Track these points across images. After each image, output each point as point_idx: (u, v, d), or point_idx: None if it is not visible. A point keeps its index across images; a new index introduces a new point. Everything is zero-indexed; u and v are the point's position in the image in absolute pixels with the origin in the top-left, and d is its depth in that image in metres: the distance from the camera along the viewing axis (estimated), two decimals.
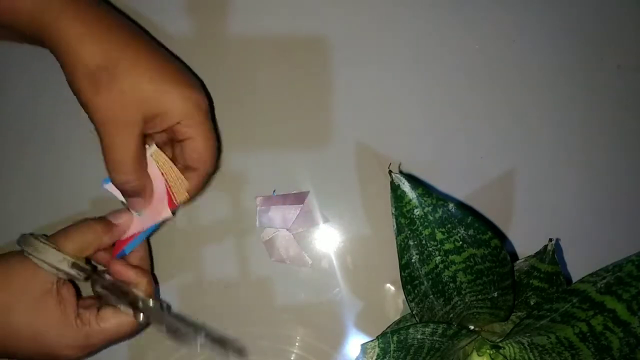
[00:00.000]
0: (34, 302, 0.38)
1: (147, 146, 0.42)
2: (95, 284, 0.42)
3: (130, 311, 0.41)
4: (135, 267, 0.43)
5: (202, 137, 0.41)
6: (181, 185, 0.43)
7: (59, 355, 0.40)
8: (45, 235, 0.40)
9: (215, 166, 0.45)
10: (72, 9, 0.37)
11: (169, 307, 0.48)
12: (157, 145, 0.42)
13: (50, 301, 0.39)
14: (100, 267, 0.44)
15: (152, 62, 0.39)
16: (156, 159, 0.42)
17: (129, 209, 0.43)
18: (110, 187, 0.42)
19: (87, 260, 0.42)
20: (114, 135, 0.38)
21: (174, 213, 0.44)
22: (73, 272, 0.40)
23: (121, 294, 0.41)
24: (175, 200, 0.43)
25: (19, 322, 0.38)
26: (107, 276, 0.42)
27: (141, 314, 0.41)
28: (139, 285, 0.42)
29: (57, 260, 0.39)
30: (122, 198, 0.43)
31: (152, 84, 0.39)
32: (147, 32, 0.48)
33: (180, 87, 0.40)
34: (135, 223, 0.43)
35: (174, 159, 0.43)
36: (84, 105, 0.38)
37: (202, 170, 0.42)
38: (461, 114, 0.51)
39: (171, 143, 0.44)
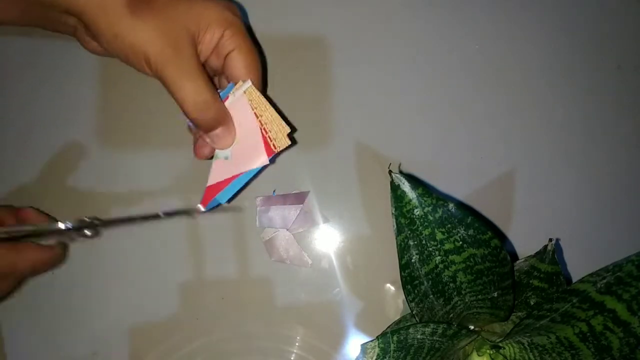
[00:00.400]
0: None
1: (240, 82, 0.41)
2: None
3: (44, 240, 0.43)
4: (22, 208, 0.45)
5: (245, 45, 0.41)
6: (280, 129, 0.41)
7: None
8: None
9: (265, 80, 0.44)
10: None
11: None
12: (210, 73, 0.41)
13: None
14: None
15: None
16: (250, 98, 0.41)
17: None
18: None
19: None
20: (173, 61, 0.37)
21: (272, 161, 0.42)
22: None
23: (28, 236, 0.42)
24: (274, 145, 0.41)
25: None
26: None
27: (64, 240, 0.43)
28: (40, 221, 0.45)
29: None
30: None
31: (189, 4, 0.38)
32: None
33: (213, 2, 0.39)
34: (226, 167, 0.41)
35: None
36: (132, 44, 0.37)
37: (255, 81, 0.42)
38: (461, 114, 0.51)
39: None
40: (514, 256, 0.50)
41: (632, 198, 0.52)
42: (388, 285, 0.50)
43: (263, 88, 0.43)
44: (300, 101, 0.50)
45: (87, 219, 0.43)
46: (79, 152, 0.48)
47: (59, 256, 0.46)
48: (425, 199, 0.35)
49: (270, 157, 0.41)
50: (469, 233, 0.36)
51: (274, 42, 0.50)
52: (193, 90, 0.38)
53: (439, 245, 0.36)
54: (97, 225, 0.43)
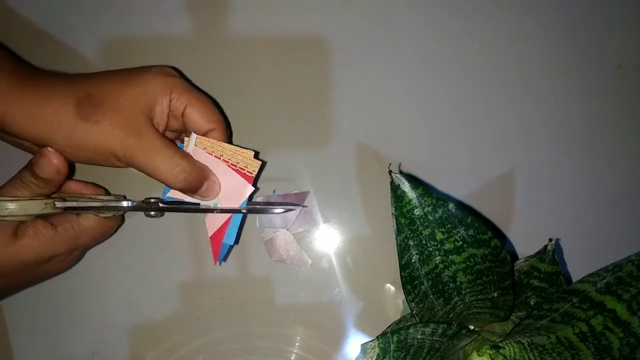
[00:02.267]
0: (6, 245, 0.39)
1: (185, 139, 0.43)
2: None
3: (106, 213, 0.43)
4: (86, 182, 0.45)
5: (195, 98, 0.42)
6: (245, 156, 0.43)
7: (52, 265, 0.43)
8: None
9: (225, 121, 0.45)
10: (17, 85, 0.38)
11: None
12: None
13: (24, 230, 0.40)
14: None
15: (112, 76, 0.41)
16: (204, 146, 0.43)
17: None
18: (173, 194, 0.43)
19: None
20: (139, 148, 0.39)
21: (255, 185, 0.44)
22: (57, 210, 0.41)
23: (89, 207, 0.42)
24: (248, 172, 0.43)
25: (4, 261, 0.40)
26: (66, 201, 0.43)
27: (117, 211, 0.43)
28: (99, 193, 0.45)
29: (40, 208, 0.40)
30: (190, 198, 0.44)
31: (128, 86, 0.40)
32: (146, 33, 0.48)
33: (147, 72, 0.41)
34: (220, 215, 0.44)
35: None
36: (92, 150, 0.39)
37: (217, 124, 0.43)
38: (461, 113, 0.51)
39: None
40: (514, 256, 0.50)
41: (632, 198, 0.52)
42: (388, 285, 0.50)
43: (225, 126, 0.44)
44: (300, 101, 0.50)
45: (152, 200, 0.44)
46: None
47: (117, 225, 0.47)
48: (425, 199, 0.35)
49: (252, 183, 0.44)
50: (469, 233, 0.36)
51: (274, 42, 0.50)
52: (167, 164, 0.40)
53: (439, 245, 0.36)
54: (161, 209, 0.43)
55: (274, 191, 0.49)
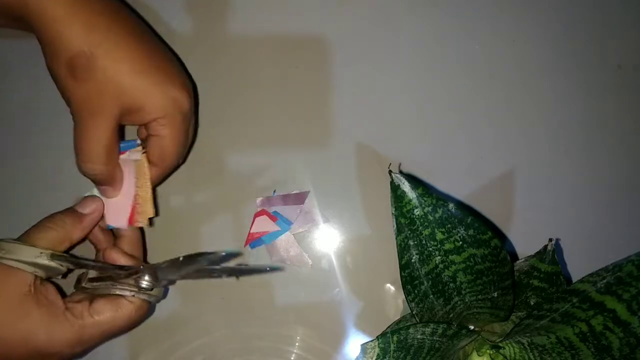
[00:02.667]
0: (14, 306, 0.36)
1: (138, 145, 0.42)
2: (82, 279, 0.40)
3: (128, 294, 0.39)
4: (127, 254, 0.42)
5: (172, 139, 0.41)
6: (147, 209, 0.43)
7: (53, 352, 0.38)
8: (12, 239, 0.38)
9: (178, 164, 0.45)
10: None
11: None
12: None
13: (31, 302, 0.37)
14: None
15: (136, 53, 0.38)
16: (138, 167, 0.42)
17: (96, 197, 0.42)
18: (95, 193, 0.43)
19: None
20: (87, 124, 0.38)
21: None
22: (54, 264, 0.37)
23: (113, 282, 0.39)
24: (135, 219, 0.43)
25: (3, 330, 0.36)
26: (93, 264, 0.40)
27: (142, 296, 0.40)
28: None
29: (33, 256, 0.37)
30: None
31: (132, 77, 0.38)
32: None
33: (162, 84, 0.39)
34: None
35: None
36: (60, 90, 0.38)
37: (161, 167, 0.42)
38: (461, 114, 0.51)
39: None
40: (514, 256, 0.50)
41: (632, 198, 0.52)
42: (388, 285, 0.50)
43: (167, 172, 0.44)
44: (301, 101, 0.50)
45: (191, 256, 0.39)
46: None
47: (140, 314, 0.41)
48: (425, 199, 0.35)
49: (129, 226, 0.43)
50: (469, 233, 0.36)
51: (274, 42, 0.50)
52: (92, 155, 0.38)
53: (439, 245, 0.36)
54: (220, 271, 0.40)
55: (274, 191, 0.49)
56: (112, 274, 0.40)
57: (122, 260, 0.41)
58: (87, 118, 0.38)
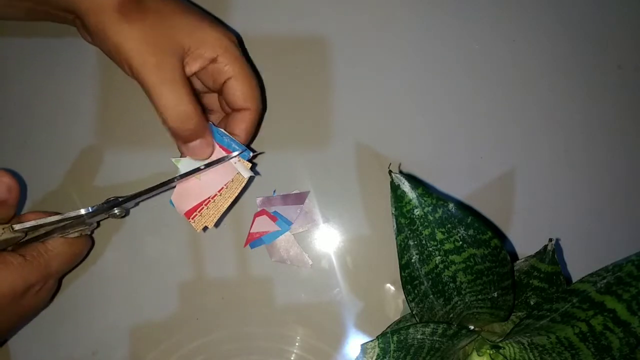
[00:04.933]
0: None
1: (245, 162, 0.42)
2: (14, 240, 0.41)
3: (71, 231, 0.42)
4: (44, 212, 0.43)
5: (243, 74, 0.40)
6: (211, 217, 0.42)
7: (30, 298, 0.41)
8: None
9: (264, 105, 0.44)
10: None
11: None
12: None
13: None
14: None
15: (184, 6, 0.39)
16: (235, 181, 0.42)
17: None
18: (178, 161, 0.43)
19: None
20: (156, 69, 0.37)
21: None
22: (17, 234, 0.39)
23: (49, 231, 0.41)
24: (193, 216, 0.42)
25: None
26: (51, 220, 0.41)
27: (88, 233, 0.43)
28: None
29: None
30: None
31: (184, 18, 0.38)
32: None
33: (211, 23, 0.39)
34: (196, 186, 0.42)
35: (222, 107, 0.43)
36: (115, 47, 0.37)
37: (253, 107, 0.42)
38: (461, 113, 0.51)
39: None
40: (514, 256, 0.50)
41: (632, 198, 0.52)
42: (388, 285, 0.50)
43: (260, 111, 0.43)
44: (300, 101, 0.50)
45: (111, 198, 0.42)
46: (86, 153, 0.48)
47: (88, 245, 0.45)
48: (425, 199, 0.35)
49: (187, 217, 0.43)
50: (469, 233, 0.36)
51: (274, 42, 0.50)
52: (174, 99, 0.38)
53: (439, 245, 0.36)
54: (120, 203, 0.42)
55: (274, 191, 0.49)
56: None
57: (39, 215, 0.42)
58: (154, 64, 0.37)
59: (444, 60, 0.51)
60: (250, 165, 0.43)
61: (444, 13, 0.51)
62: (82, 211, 0.41)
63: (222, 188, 0.42)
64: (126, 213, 0.45)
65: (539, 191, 0.51)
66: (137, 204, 0.44)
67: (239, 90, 0.41)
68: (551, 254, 0.38)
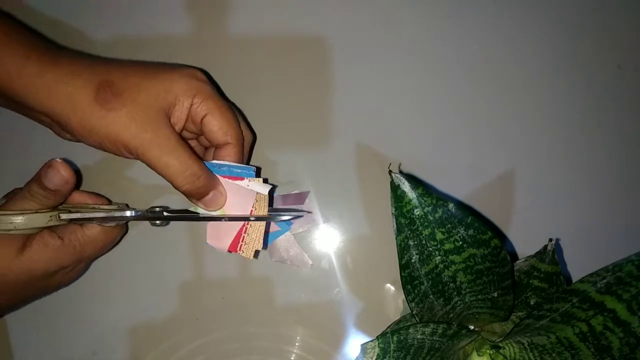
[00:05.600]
0: (10, 252, 0.40)
1: (254, 173, 0.43)
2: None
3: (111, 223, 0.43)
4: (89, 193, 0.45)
5: (217, 108, 0.41)
6: (256, 241, 0.43)
7: (59, 277, 0.43)
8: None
9: (250, 134, 0.45)
10: (40, 61, 0.37)
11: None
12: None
13: (31, 241, 0.40)
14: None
15: (138, 67, 0.40)
16: (258, 200, 0.43)
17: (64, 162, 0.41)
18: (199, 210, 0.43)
19: None
20: (153, 144, 0.38)
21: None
22: (63, 222, 0.41)
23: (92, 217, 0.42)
24: (240, 248, 0.43)
25: (11, 274, 0.40)
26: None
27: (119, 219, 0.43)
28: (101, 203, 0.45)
29: (45, 221, 0.40)
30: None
31: (153, 80, 0.39)
32: (147, 33, 0.48)
33: (175, 71, 0.40)
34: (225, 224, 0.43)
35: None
36: (107, 135, 0.38)
37: (234, 140, 0.42)
38: (461, 113, 0.51)
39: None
40: (514, 256, 0.50)
41: (632, 198, 0.52)
42: (388, 285, 0.50)
43: (241, 142, 0.44)
44: (300, 101, 0.50)
45: (157, 209, 0.43)
46: None
47: (121, 233, 0.47)
48: (425, 199, 0.35)
49: (230, 252, 0.43)
50: (469, 233, 0.36)
51: (274, 42, 0.50)
52: (179, 165, 0.39)
53: (439, 245, 0.36)
54: (166, 217, 0.43)
55: (274, 191, 0.49)
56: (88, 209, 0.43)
57: (89, 197, 0.45)
58: (150, 138, 0.38)
59: (444, 60, 0.51)
60: (261, 179, 0.43)
61: (444, 13, 0.51)
62: (128, 213, 0.42)
63: (251, 211, 0.43)
64: (167, 223, 0.45)
65: (539, 191, 0.51)
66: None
67: (216, 125, 0.41)
68: (551, 254, 0.38)
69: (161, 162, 0.39)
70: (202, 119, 0.41)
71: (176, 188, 0.41)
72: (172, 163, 0.39)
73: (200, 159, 0.41)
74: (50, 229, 0.41)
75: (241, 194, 0.43)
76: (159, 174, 0.40)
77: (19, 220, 0.39)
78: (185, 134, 0.44)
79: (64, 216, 0.41)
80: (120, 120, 0.38)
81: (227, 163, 0.42)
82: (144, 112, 0.38)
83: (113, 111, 0.37)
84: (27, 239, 0.40)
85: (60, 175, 0.39)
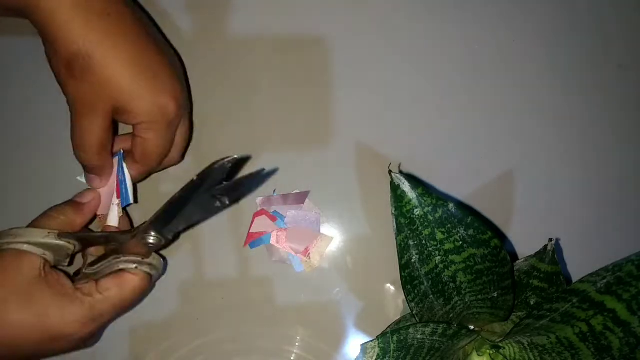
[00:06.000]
0: (25, 289, 0.37)
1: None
2: (82, 267, 0.42)
3: (134, 267, 0.40)
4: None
5: (154, 143, 0.42)
6: (319, 254, 0.49)
7: (66, 333, 0.38)
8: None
9: (177, 159, 0.46)
10: None
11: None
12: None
13: (42, 284, 0.38)
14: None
15: (132, 55, 0.39)
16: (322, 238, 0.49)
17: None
18: (82, 178, 0.45)
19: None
20: (82, 118, 0.39)
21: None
22: (62, 242, 0.39)
23: (115, 256, 0.40)
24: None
25: (17, 314, 0.37)
26: (100, 234, 0.42)
27: (147, 270, 0.41)
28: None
29: (42, 236, 0.39)
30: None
31: (125, 80, 0.39)
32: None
33: (152, 91, 0.40)
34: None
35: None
36: (59, 84, 0.39)
37: (142, 166, 0.43)
38: (461, 113, 0.51)
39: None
40: (514, 256, 0.50)
41: (632, 198, 0.52)
42: (388, 285, 0.50)
43: (147, 173, 0.45)
44: (300, 101, 0.50)
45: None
46: None
47: (143, 287, 0.42)
48: (425, 199, 0.35)
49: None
50: (469, 233, 0.36)
51: (274, 42, 0.50)
52: (85, 145, 0.40)
53: (439, 245, 0.36)
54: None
55: (274, 191, 0.49)
56: (116, 244, 0.41)
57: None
58: (83, 114, 0.39)
59: (444, 60, 0.51)
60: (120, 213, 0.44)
61: (444, 13, 0.51)
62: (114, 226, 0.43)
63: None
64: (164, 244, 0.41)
65: (539, 191, 0.51)
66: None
67: (141, 151, 0.42)
68: (551, 254, 0.38)
69: (75, 137, 0.40)
70: (137, 135, 0.41)
71: (73, 146, 0.41)
72: (80, 135, 0.40)
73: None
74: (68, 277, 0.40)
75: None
76: (71, 132, 0.40)
77: (40, 237, 0.38)
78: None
79: (63, 236, 0.40)
80: (74, 87, 0.38)
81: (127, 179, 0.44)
82: (94, 96, 0.39)
83: (72, 80, 0.38)
84: (45, 268, 0.39)
85: (93, 193, 0.43)
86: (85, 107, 0.39)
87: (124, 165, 0.44)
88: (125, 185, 0.44)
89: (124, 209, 0.45)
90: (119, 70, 0.38)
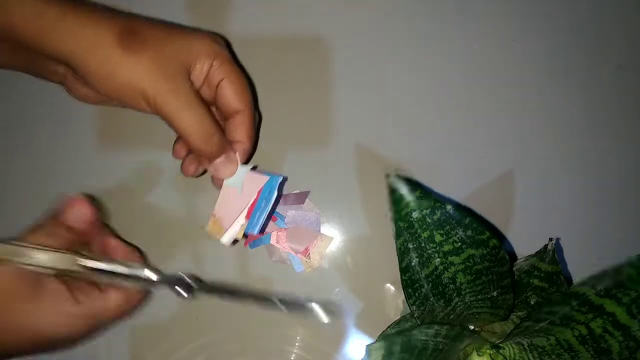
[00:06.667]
0: (22, 295, 0.37)
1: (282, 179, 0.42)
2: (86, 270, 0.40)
3: (131, 284, 0.40)
4: (125, 242, 0.42)
5: (234, 73, 0.41)
6: (319, 255, 0.48)
7: (63, 338, 0.38)
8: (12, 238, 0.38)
9: (258, 112, 0.45)
10: (70, 7, 0.36)
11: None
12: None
13: (44, 290, 0.37)
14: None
15: (163, 23, 0.40)
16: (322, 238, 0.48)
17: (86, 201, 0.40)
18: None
19: None
20: (172, 96, 0.37)
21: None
22: (75, 267, 0.38)
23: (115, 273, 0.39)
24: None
25: (13, 319, 0.37)
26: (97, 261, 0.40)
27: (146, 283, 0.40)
28: (134, 259, 0.41)
29: (62, 264, 0.37)
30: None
31: (177, 36, 0.39)
32: None
33: (199, 34, 0.40)
34: (236, 198, 0.42)
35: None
36: (124, 83, 0.37)
37: (246, 108, 0.42)
38: (461, 114, 0.51)
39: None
40: (514, 256, 0.50)
41: (632, 198, 0.52)
42: (388, 285, 0.50)
43: (254, 112, 0.43)
44: (300, 101, 0.50)
45: (186, 278, 0.41)
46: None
47: (139, 304, 0.42)
48: (423, 201, 0.35)
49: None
50: (468, 234, 0.36)
51: (274, 42, 0.50)
52: (195, 121, 0.38)
53: (438, 247, 0.36)
54: (198, 288, 0.41)
55: None
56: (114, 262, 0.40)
57: (124, 249, 0.41)
58: (169, 89, 0.37)
59: (444, 60, 0.51)
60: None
61: (444, 13, 0.51)
62: (154, 277, 0.40)
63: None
64: (193, 296, 0.42)
65: (538, 191, 0.51)
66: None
67: (231, 89, 0.41)
68: (551, 254, 0.38)
69: (176, 115, 0.38)
70: (218, 83, 0.41)
71: (189, 145, 0.39)
72: (188, 117, 0.38)
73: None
74: (68, 285, 0.38)
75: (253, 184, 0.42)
76: (174, 128, 0.38)
77: (42, 256, 0.37)
78: None
79: (82, 262, 0.38)
80: (142, 65, 0.36)
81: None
82: (167, 64, 0.37)
83: (136, 56, 0.36)
84: (39, 285, 0.37)
85: (82, 213, 0.39)
86: (170, 80, 0.37)
87: (275, 194, 0.41)
88: (262, 214, 0.41)
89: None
90: (164, 31, 0.38)
